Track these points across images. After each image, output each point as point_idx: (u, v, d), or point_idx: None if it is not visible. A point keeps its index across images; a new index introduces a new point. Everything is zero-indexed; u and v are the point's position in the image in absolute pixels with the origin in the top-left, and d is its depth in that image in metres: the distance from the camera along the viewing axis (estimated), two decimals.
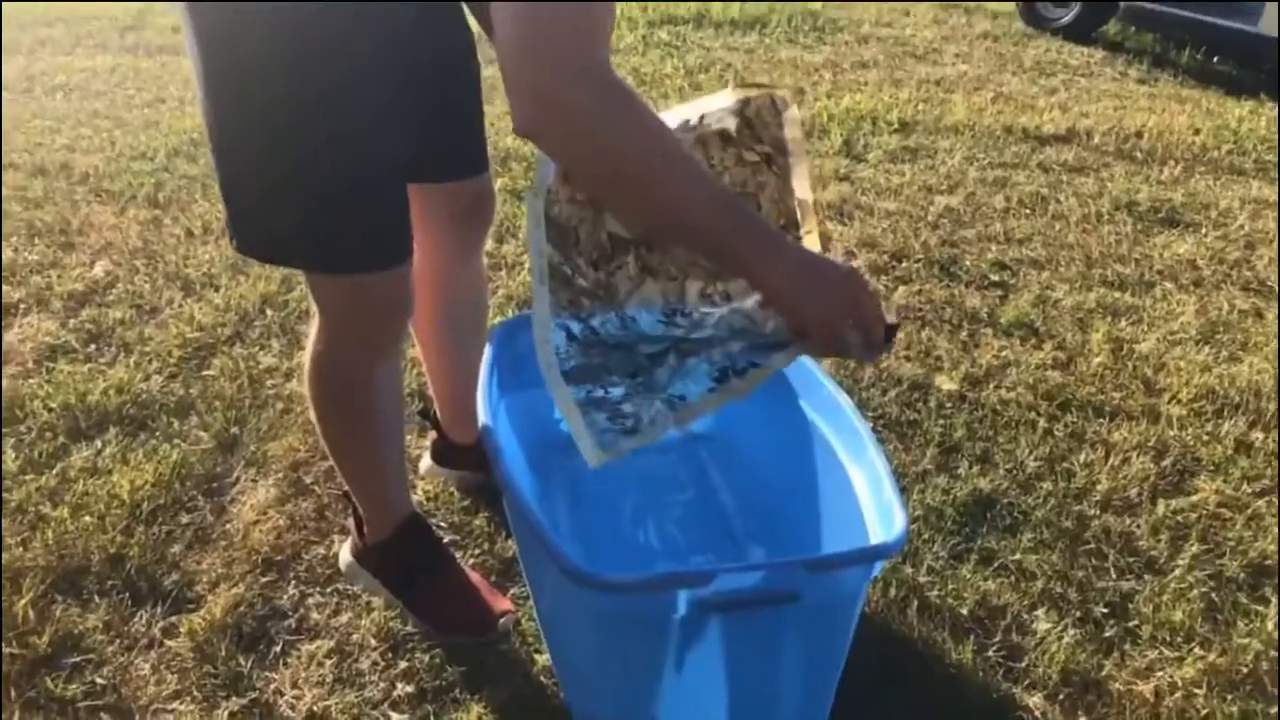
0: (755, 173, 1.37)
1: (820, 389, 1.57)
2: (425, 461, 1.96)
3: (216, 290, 2.52)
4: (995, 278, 2.80)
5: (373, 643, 1.61)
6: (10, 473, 1.91)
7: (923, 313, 2.60)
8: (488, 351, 1.58)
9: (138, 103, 3.89)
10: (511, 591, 1.71)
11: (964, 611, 1.69)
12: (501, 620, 1.61)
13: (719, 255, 1.09)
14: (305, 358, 1.51)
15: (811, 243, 1.35)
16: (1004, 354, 2.42)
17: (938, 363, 2.38)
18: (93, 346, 2.29)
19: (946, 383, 2.30)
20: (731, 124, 1.34)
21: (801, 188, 1.37)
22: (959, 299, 2.67)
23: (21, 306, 2.44)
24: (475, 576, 1.68)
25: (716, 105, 1.34)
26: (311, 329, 1.48)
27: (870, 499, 1.41)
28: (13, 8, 5.27)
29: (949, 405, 2.22)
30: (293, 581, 1.71)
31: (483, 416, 1.43)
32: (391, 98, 1.32)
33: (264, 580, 1.71)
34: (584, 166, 1.06)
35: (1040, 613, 1.70)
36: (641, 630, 1.27)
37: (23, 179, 3.11)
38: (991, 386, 2.29)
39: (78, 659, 1.56)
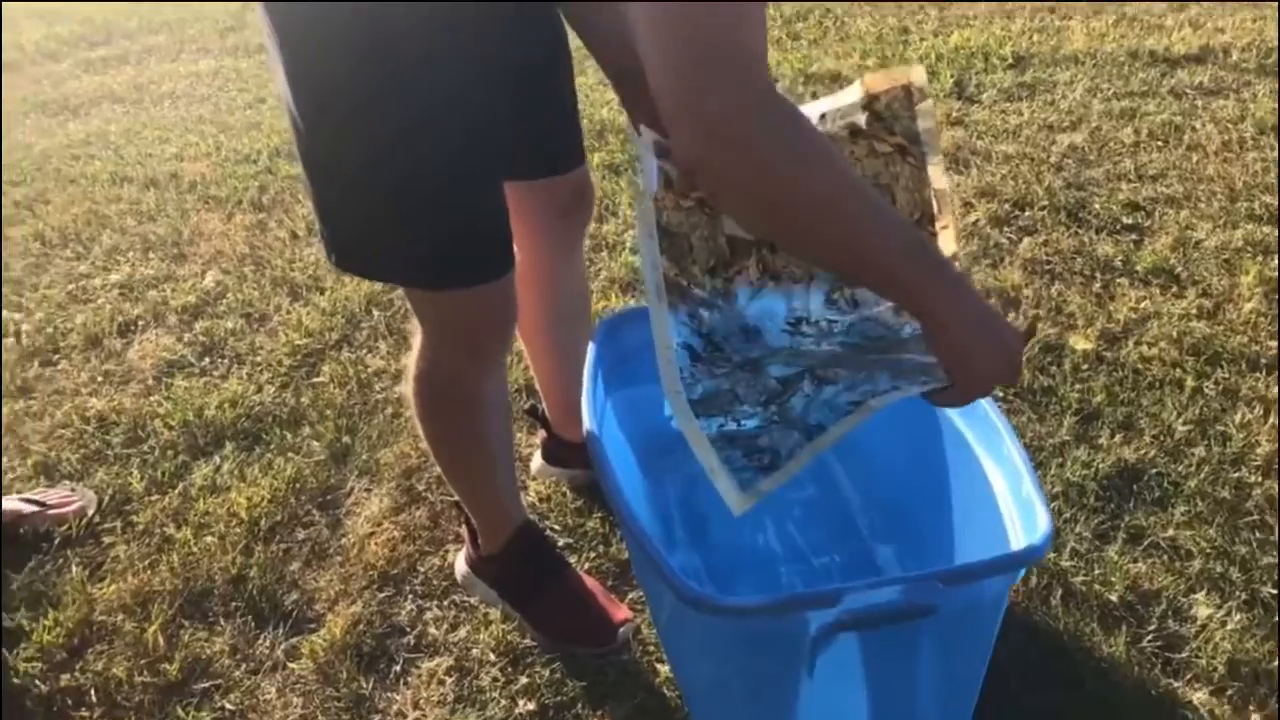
0: (889, 164, 1.27)
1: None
2: (536, 461, 1.92)
3: (322, 293, 2.53)
4: (1128, 220, 2.60)
5: (492, 658, 1.58)
6: (137, 494, 1.95)
7: (1051, 265, 2.43)
8: (590, 349, 1.52)
9: (240, 104, 3.95)
10: (629, 597, 1.66)
11: (1113, 598, 1.57)
12: (621, 630, 1.57)
13: (894, 289, 0.98)
14: (408, 374, 1.48)
15: (947, 238, 1.25)
16: (1143, 305, 2.24)
17: (1071, 320, 2.22)
18: (207, 359, 2.33)
19: (1081, 342, 2.14)
20: (861, 118, 1.24)
21: (938, 178, 1.26)
22: (1090, 247, 2.48)
23: (140, 323, 2.49)
24: (592, 583, 1.64)
25: (842, 102, 1.25)
26: (414, 345, 1.45)
27: (1008, 494, 1.30)
28: (121, 12, 5.40)
29: (1086, 367, 2.06)
30: (409, 596, 1.70)
31: (587, 421, 1.38)
32: (488, 103, 1.27)
33: (381, 596, 1.70)
34: (759, 203, 0.94)
35: (1200, 596, 1.57)
36: (767, 651, 1.20)
37: (136, 192, 3.18)
38: (1131, 343, 2.12)
39: (207, 685, 1.58)
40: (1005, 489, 1.31)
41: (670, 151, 1.28)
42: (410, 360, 1.46)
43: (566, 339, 1.73)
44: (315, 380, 2.22)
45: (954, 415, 1.42)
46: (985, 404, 1.38)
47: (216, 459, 2.02)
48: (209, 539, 1.82)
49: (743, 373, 1.18)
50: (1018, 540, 1.23)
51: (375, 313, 2.41)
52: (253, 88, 4.11)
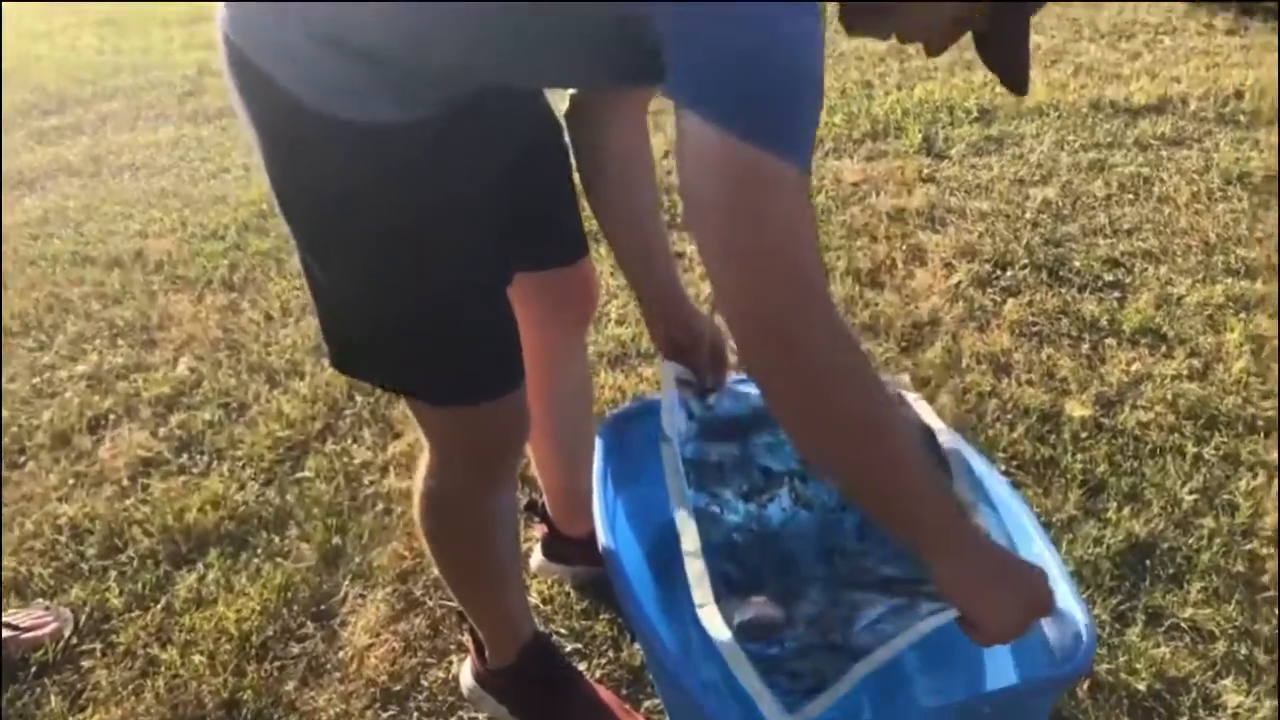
0: None
1: (964, 467, 1.43)
2: (536, 558, 1.86)
3: (301, 378, 2.45)
4: (1109, 277, 2.61)
5: None
6: (117, 610, 1.86)
7: (1038, 327, 2.43)
8: (598, 448, 1.47)
9: (203, 174, 3.86)
10: (645, 705, 1.60)
11: (1141, 688, 1.54)
12: None
13: (910, 532, 1.04)
14: (415, 490, 1.42)
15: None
16: (1134, 367, 2.24)
17: (1064, 385, 2.21)
18: (185, 455, 2.24)
19: (1078, 408, 2.13)
20: None
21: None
22: (1074, 306, 2.49)
23: (111, 417, 2.40)
24: (606, 694, 1.58)
25: None
26: (421, 462, 1.39)
27: None
28: (74, 79, 5.30)
29: (1085, 435, 2.05)
30: (414, 713, 1.63)
31: (601, 533, 1.32)
32: (485, 207, 1.22)
33: (385, 715, 1.63)
34: (808, 418, 0.99)
35: (1228, 682, 1.55)
36: None
37: (100, 273, 3.08)
38: (1127, 408, 2.12)
39: None
40: None
41: (692, 386, 1.41)
42: (416, 477, 1.40)
43: (568, 432, 1.68)
44: (300, 475, 2.15)
45: (987, 516, 1.39)
46: (1015, 501, 1.35)
47: (200, 567, 1.93)
48: (197, 658, 1.74)
49: (787, 599, 1.20)
50: (1056, 652, 1.19)
51: (359, 398, 2.34)
52: (215, 157, 4.03)
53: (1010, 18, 1.03)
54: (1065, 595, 1.21)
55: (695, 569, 1.18)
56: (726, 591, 1.20)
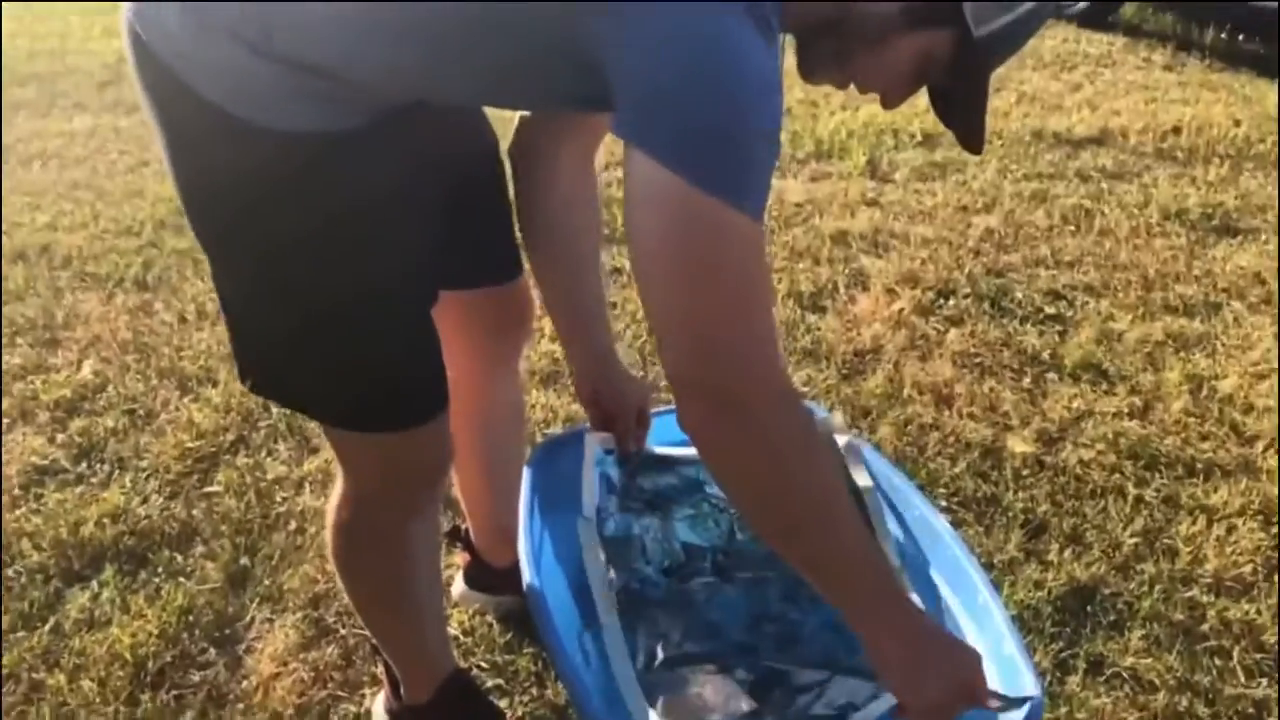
0: None
1: (909, 506, 1.37)
2: (458, 586, 1.76)
3: (214, 386, 2.32)
4: (1051, 310, 2.60)
5: None
6: (2, 630, 1.71)
7: (980, 358, 2.40)
8: (525, 478, 1.38)
9: (120, 168, 3.69)
10: None
11: None
12: None
13: (846, 604, 1.02)
14: (328, 519, 1.32)
15: None
16: (1075, 404, 2.22)
17: (1006, 420, 2.18)
18: (84, 464, 2.09)
19: (1020, 445, 2.10)
20: None
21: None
22: (1016, 339, 2.46)
23: (5, 420, 2.24)
24: None
25: None
26: (334, 490, 1.29)
27: (987, 653, 1.21)
28: None
29: (1026, 472, 2.02)
30: None
31: (527, 570, 1.24)
32: (409, 222, 1.13)
33: None
34: (754, 483, 0.96)
35: None
36: None
37: (3, 267, 2.90)
38: (1069, 445, 2.09)
39: None
40: (984, 645, 1.22)
41: (611, 459, 1.38)
42: (329, 503, 1.30)
43: (497, 460, 1.59)
44: (208, 489, 2.02)
45: (929, 562, 1.33)
46: (957, 546, 1.30)
47: (95, 585, 1.80)
48: (87, 685, 1.60)
49: (712, 681, 1.18)
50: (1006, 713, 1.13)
51: (274, 410, 2.21)
52: (134, 149, 3.84)
53: (971, 74, 0.98)
54: (1012, 651, 1.15)
55: (617, 650, 1.16)
56: (648, 663, 1.17)
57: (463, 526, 1.73)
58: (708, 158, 0.85)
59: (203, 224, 1.10)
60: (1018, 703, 1.05)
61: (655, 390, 1.54)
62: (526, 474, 1.39)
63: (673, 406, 1.48)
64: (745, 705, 1.13)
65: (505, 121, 1.28)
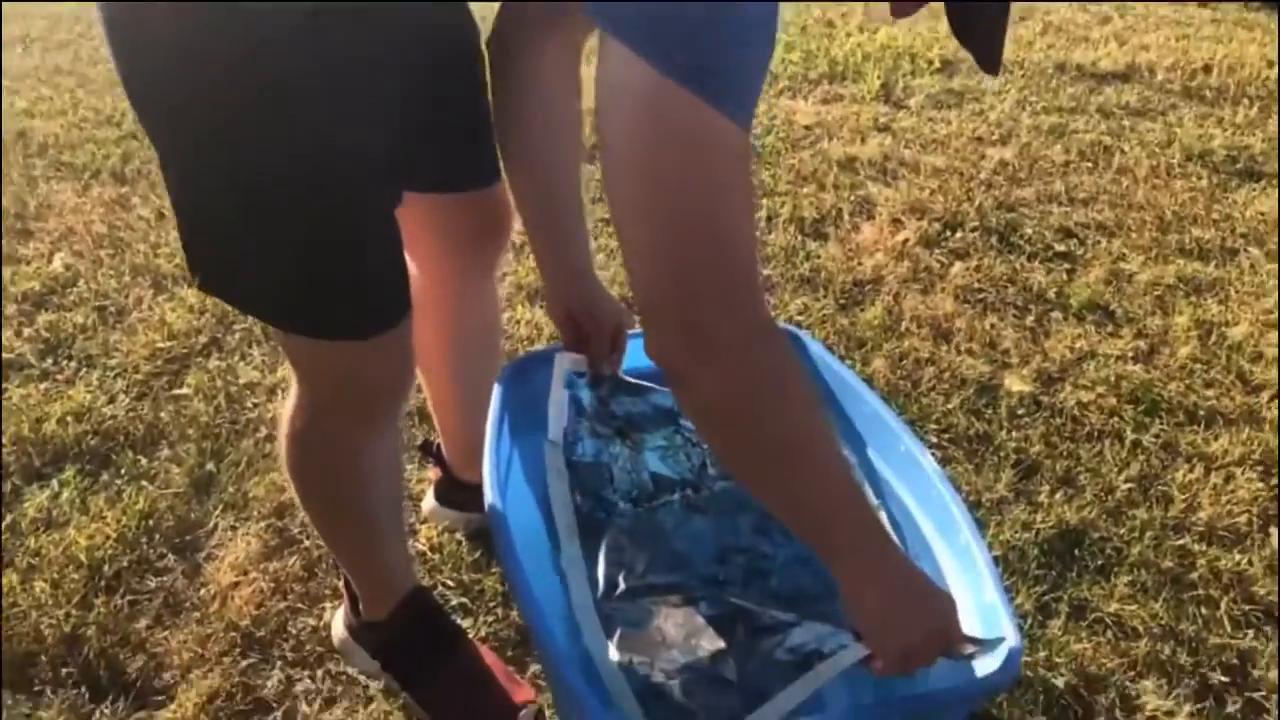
0: None
1: (896, 441, 1.31)
2: (428, 501, 1.71)
3: (190, 286, 2.23)
4: (1061, 247, 2.50)
5: None
6: None
7: (984, 293, 2.31)
8: (495, 395, 1.32)
9: (104, 55, 3.54)
10: (532, 670, 1.47)
11: (1059, 684, 1.45)
12: (523, 713, 1.38)
13: (825, 547, 0.96)
14: (280, 429, 1.25)
15: None
16: (1079, 344, 2.14)
17: (1005, 357, 2.10)
18: (50, 360, 2.03)
19: (1017, 383, 2.02)
20: None
21: None
22: (1022, 275, 2.38)
23: None
24: (491, 658, 1.44)
25: None
26: (288, 400, 1.23)
27: (968, 597, 1.15)
28: None
29: (1022, 411, 1.95)
30: (278, 663, 1.48)
31: (489, 489, 1.17)
32: (374, 112, 1.04)
33: (245, 663, 1.47)
34: (730, 424, 0.89)
35: (1148, 683, 1.46)
36: None
37: None
38: (1068, 386, 2.01)
39: None
40: (964, 589, 1.16)
41: (585, 375, 1.30)
42: (283, 413, 1.23)
43: (471, 373, 1.52)
44: (177, 392, 1.95)
45: (909, 500, 1.27)
46: (938, 480, 1.23)
47: (55, 485, 1.75)
48: (40, 586, 1.56)
49: (674, 617, 1.12)
50: (981, 656, 1.08)
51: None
52: None
53: None
54: (993, 597, 1.10)
55: (577, 577, 1.12)
56: (609, 592, 1.12)
57: (435, 441, 1.67)
58: (682, 44, 0.75)
59: (146, 106, 1.03)
60: (992, 646, 0.99)
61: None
62: (496, 391, 1.32)
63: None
64: (706, 643, 1.08)
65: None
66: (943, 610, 0.98)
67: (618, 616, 1.11)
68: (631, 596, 1.13)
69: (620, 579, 1.15)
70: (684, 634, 1.10)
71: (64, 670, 1.46)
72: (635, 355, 1.38)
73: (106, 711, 1.41)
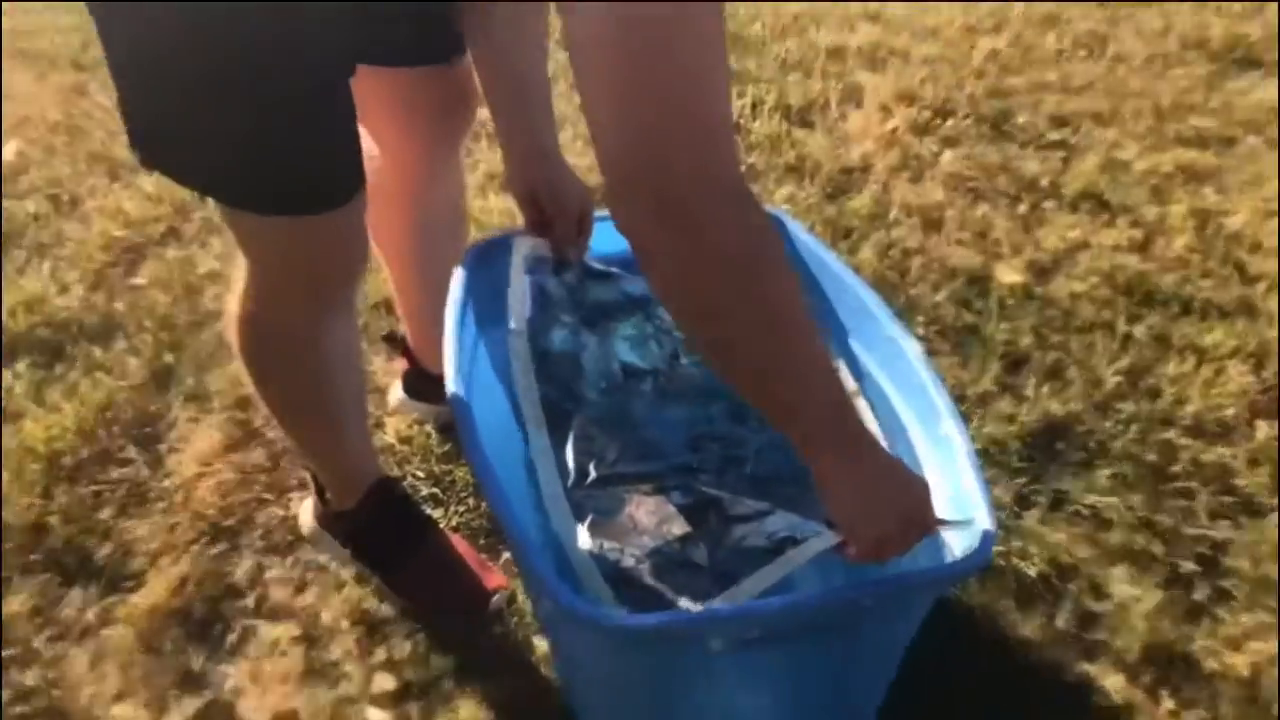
0: None
1: (880, 329, 1.25)
2: (395, 393, 1.66)
3: (148, 174, 2.15)
4: (1055, 136, 2.42)
5: (344, 626, 1.35)
6: None
7: (975, 182, 2.24)
8: (456, 280, 1.26)
9: None
10: (504, 558, 1.44)
11: (1031, 573, 1.43)
12: (494, 598, 1.35)
13: (796, 429, 0.91)
14: (229, 314, 1.19)
15: None
16: (1072, 234, 2.08)
17: (996, 248, 2.04)
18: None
19: (1009, 274, 1.97)
20: None
21: None
22: (1015, 164, 2.30)
23: None
24: (462, 546, 1.41)
25: None
26: (237, 280, 1.16)
27: (943, 483, 1.11)
28: None
29: (1012, 302, 1.90)
30: (247, 551, 1.44)
31: (451, 377, 1.12)
32: None
33: (213, 551, 1.44)
34: (699, 299, 0.84)
35: (1119, 571, 1.44)
36: (660, 666, 1.00)
37: None
38: (1061, 277, 1.96)
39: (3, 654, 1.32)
40: (942, 477, 1.12)
41: (547, 262, 1.24)
42: (231, 295, 1.17)
43: (436, 258, 1.44)
44: (134, 282, 1.88)
45: (890, 389, 1.22)
46: (921, 368, 1.18)
47: (8, 377, 1.69)
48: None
49: (646, 501, 1.08)
50: (954, 542, 1.04)
51: (210, 202, 2.06)
52: None
53: None
54: (971, 485, 1.06)
55: (546, 466, 1.08)
56: (579, 480, 1.08)
57: (401, 332, 1.62)
58: None
59: None
60: (965, 527, 0.96)
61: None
62: (458, 276, 1.26)
63: None
64: (677, 529, 1.04)
65: None
66: (918, 497, 0.95)
67: (588, 504, 1.07)
68: (602, 485, 1.09)
69: (590, 467, 1.10)
70: (655, 521, 1.06)
71: (31, 557, 1.43)
72: (604, 241, 1.33)
73: (77, 596, 1.39)
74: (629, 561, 1.00)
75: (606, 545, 1.02)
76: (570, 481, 1.10)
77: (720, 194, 0.79)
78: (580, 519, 1.05)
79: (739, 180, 0.81)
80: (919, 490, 0.96)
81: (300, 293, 1.12)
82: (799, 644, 1.03)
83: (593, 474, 1.11)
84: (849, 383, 1.23)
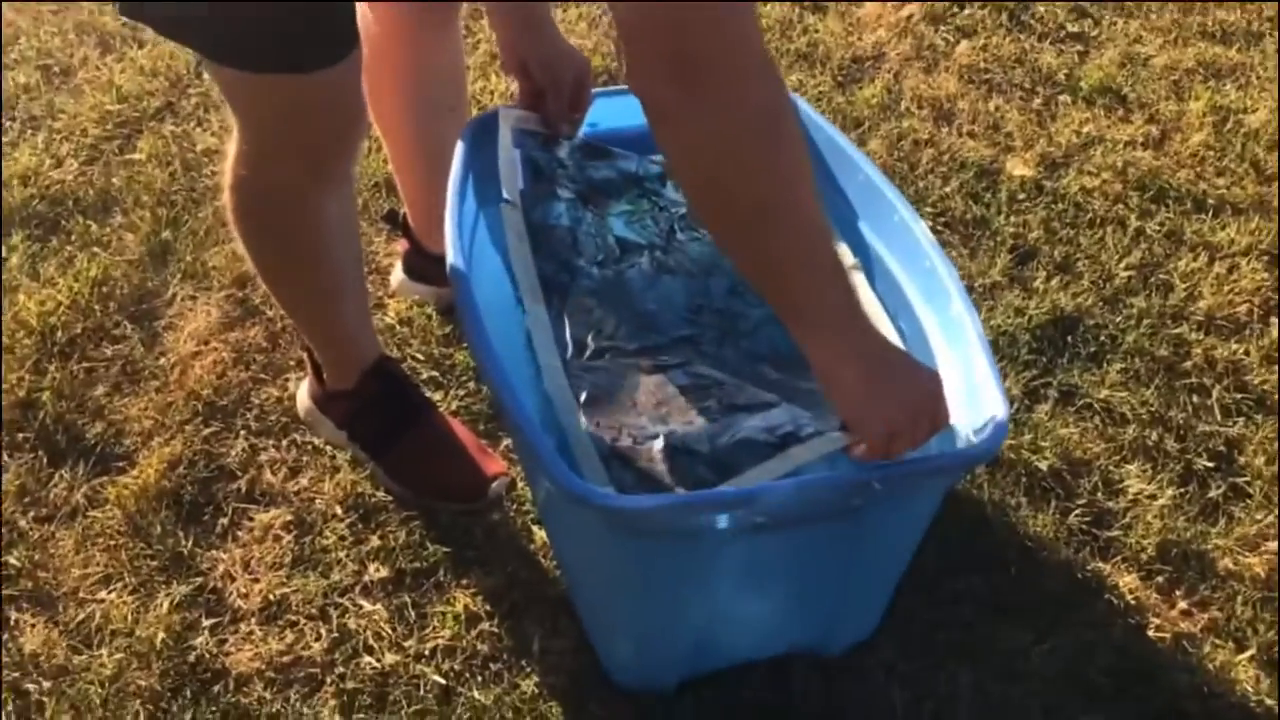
0: None
1: (890, 211, 1.22)
2: (395, 274, 1.63)
3: (141, 47, 2.08)
4: (1074, 28, 2.34)
5: (338, 511, 1.35)
6: None
7: (990, 74, 2.17)
8: (458, 153, 1.22)
9: None
10: (505, 444, 1.43)
11: (1043, 467, 1.42)
12: (493, 485, 1.35)
13: (793, 318, 0.90)
14: (224, 177, 1.16)
15: None
16: (1086, 128, 2.02)
17: (1009, 141, 1.99)
18: None
19: (1020, 167, 1.92)
20: None
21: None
22: (1032, 56, 2.23)
23: None
24: (462, 430, 1.40)
25: None
26: (230, 145, 1.13)
27: (956, 368, 1.10)
28: None
29: (1023, 196, 1.86)
30: (241, 432, 1.43)
31: (452, 251, 1.10)
32: None
33: (207, 431, 1.43)
34: (711, 165, 0.82)
35: (1132, 467, 1.43)
36: (663, 549, 0.99)
37: None
38: (1073, 171, 1.91)
39: None
40: (953, 361, 1.11)
41: (538, 136, 1.21)
42: (225, 163, 1.14)
43: (436, 133, 1.41)
44: (130, 157, 1.84)
45: (900, 272, 1.20)
46: (934, 254, 1.16)
47: (2, 250, 1.66)
48: None
49: (643, 384, 1.07)
50: (966, 430, 1.03)
51: (206, 77, 2.00)
52: None
53: None
54: (984, 370, 1.04)
55: (542, 337, 1.06)
56: (578, 352, 1.07)
57: (401, 210, 1.58)
58: None
59: None
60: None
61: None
62: (458, 149, 1.23)
63: (614, 88, 1.31)
64: (677, 414, 1.03)
65: None
66: (927, 388, 0.93)
67: (586, 379, 1.05)
68: (600, 357, 1.07)
69: (589, 339, 1.08)
70: (655, 401, 1.05)
71: (20, 435, 1.41)
72: (602, 117, 1.29)
73: (66, 475, 1.37)
74: (625, 442, 0.99)
75: (604, 424, 1.01)
76: (569, 354, 1.08)
77: (740, 57, 0.77)
78: (578, 394, 1.03)
79: (760, 44, 0.79)
80: (928, 381, 0.94)
81: (292, 158, 1.09)
82: (804, 532, 1.02)
83: (591, 346, 1.09)
84: (848, 258, 1.21)
